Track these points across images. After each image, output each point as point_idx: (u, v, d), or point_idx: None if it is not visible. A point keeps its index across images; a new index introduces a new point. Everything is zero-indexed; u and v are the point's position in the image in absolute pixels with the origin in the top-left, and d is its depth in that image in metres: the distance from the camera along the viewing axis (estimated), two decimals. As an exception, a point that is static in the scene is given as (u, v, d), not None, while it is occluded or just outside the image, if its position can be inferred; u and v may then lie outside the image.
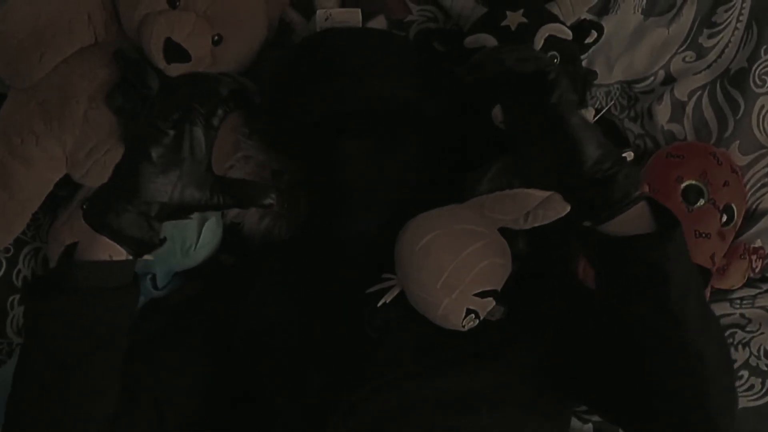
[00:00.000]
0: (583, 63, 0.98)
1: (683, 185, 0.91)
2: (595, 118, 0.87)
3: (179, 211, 0.67)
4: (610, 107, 0.97)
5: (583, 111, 0.85)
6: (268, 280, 0.84)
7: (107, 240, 0.66)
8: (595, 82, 0.98)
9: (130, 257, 0.68)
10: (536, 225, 0.72)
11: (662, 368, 0.66)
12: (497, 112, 0.76)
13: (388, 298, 0.77)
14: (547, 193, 0.69)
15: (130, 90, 0.87)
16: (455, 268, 0.73)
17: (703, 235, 0.89)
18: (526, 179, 0.69)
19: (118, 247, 0.66)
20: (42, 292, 0.66)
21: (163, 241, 0.68)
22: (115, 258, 0.66)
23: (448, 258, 0.74)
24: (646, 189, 0.90)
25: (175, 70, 0.86)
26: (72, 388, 0.66)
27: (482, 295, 0.75)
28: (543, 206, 0.71)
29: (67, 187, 0.94)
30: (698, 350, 0.65)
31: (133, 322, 0.69)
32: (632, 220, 0.66)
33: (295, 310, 0.81)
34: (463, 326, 0.75)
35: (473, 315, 0.75)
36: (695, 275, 0.68)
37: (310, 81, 0.84)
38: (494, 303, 0.76)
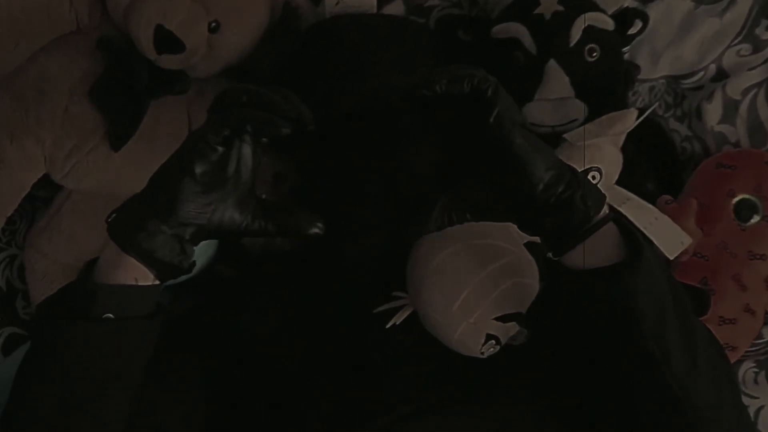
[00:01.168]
0: (626, 56, 0.96)
1: (735, 200, 0.89)
2: (638, 120, 0.85)
3: (215, 234, 0.66)
4: (654, 107, 0.96)
5: (624, 113, 0.84)
6: (266, 296, 0.82)
7: (134, 261, 0.64)
8: (638, 77, 0.97)
9: (156, 282, 0.66)
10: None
11: (645, 412, 0.65)
12: None
13: (398, 320, 0.75)
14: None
15: (115, 83, 0.85)
16: (474, 288, 0.72)
17: (758, 256, 0.87)
18: (476, 212, 0.68)
19: (146, 270, 0.64)
20: (57, 316, 0.64)
21: (192, 265, 0.67)
22: (140, 282, 0.65)
23: (466, 277, 0.72)
24: (693, 204, 0.88)
25: (167, 61, 0.84)
26: (76, 428, 0.64)
27: (504, 318, 0.72)
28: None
29: (46, 187, 0.92)
30: (684, 391, 0.63)
31: (151, 353, 0.68)
32: (598, 249, 0.64)
33: (294, 330, 0.79)
34: (482, 353, 0.73)
35: (493, 341, 0.73)
36: (680, 302, 0.66)
37: (318, 76, 0.83)
38: (518, 327, 0.73)
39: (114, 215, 0.68)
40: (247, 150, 0.65)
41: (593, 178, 0.83)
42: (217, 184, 0.64)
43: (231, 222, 0.66)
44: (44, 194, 0.94)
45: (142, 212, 0.64)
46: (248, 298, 0.83)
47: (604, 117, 0.84)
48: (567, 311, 0.68)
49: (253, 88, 0.65)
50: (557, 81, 0.86)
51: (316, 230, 0.67)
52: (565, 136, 0.84)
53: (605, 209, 0.65)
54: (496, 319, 0.72)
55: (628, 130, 0.84)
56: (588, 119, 0.87)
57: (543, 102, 0.87)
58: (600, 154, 0.83)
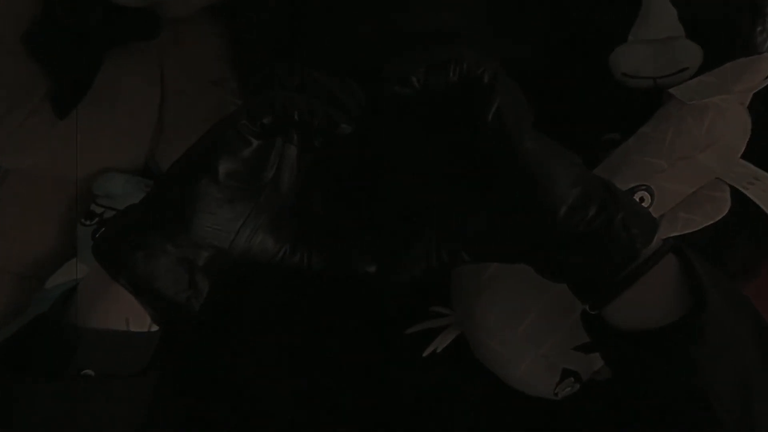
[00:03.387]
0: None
1: None
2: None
3: (238, 264, 0.61)
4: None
5: (754, 60, 0.76)
6: (260, 314, 0.77)
7: (125, 295, 0.58)
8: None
9: (154, 328, 0.59)
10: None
11: None
12: None
13: (439, 345, 0.71)
14: None
15: (58, 26, 0.81)
16: (545, 307, 0.67)
17: None
18: (474, 249, 0.61)
19: (140, 307, 0.58)
20: (19, 368, 0.59)
21: (205, 313, 0.62)
22: (132, 328, 0.59)
23: (533, 291, 0.67)
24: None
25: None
26: None
27: (587, 348, 0.67)
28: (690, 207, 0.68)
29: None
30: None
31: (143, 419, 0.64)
32: (650, 299, 0.58)
33: (297, 361, 0.75)
34: (556, 394, 0.68)
35: (572, 378, 0.68)
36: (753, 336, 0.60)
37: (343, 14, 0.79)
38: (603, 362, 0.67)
39: (102, 229, 0.65)
40: (291, 152, 0.60)
41: (641, 200, 0.75)
42: (247, 193, 0.59)
43: (262, 250, 0.61)
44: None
45: (139, 225, 0.59)
46: (238, 316, 0.78)
47: (726, 66, 0.76)
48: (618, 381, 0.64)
49: (307, 69, 0.62)
50: (661, 15, 0.77)
51: (371, 269, 0.62)
52: (671, 91, 0.75)
53: (658, 240, 0.58)
54: (576, 348, 0.67)
55: (761, 86, 0.76)
56: (703, 68, 0.78)
57: (641, 44, 0.78)
58: (722, 119, 0.74)
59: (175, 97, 0.88)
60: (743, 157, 0.78)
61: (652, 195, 0.72)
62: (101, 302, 0.59)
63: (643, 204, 0.72)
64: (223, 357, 0.79)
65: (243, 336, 0.79)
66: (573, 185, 0.57)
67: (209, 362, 0.79)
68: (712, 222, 0.71)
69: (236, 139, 0.58)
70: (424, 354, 0.70)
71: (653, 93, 0.77)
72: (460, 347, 0.71)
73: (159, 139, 0.85)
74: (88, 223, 0.83)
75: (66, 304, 0.60)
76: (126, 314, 0.59)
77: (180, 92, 0.84)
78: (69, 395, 0.58)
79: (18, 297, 0.86)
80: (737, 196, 0.72)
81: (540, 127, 0.64)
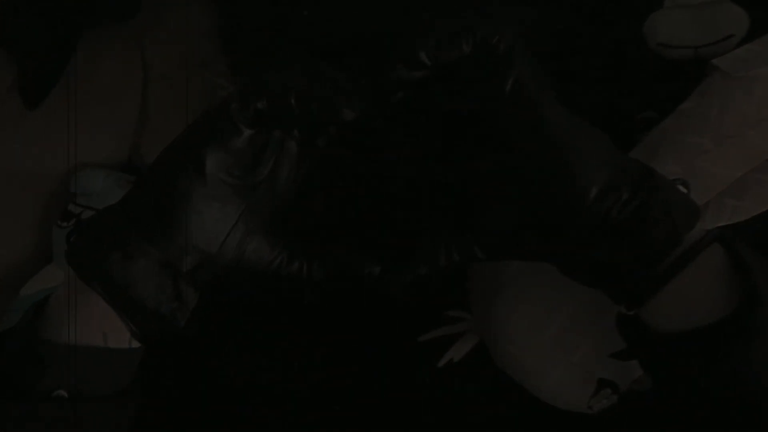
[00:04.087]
0: None
1: None
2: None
3: (228, 274, 0.59)
4: None
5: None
6: (257, 327, 0.75)
7: (102, 305, 0.56)
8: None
9: (134, 345, 0.58)
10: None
11: None
12: None
13: (457, 354, 0.69)
14: None
15: (22, 8, 0.81)
16: (576, 309, 0.65)
17: None
18: (490, 244, 0.58)
19: (119, 320, 0.57)
20: None
21: (192, 323, 0.61)
22: (110, 343, 0.57)
23: (561, 291, 0.65)
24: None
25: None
26: None
27: (623, 355, 0.65)
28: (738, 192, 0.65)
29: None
30: None
31: None
32: (695, 292, 0.55)
33: (300, 377, 0.73)
34: (591, 407, 0.66)
35: (609, 389, 0.66)
36: None
37: None
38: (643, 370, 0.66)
39: (76, 233, 0.66)
40: (291, 147, 0.58)
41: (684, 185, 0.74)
42: (238, 191, 0.57)
43: (256, 256, 0.59)
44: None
45: (117, 225, 0.57)
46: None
47: None
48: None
49: (305, 53, 0.64)
50: (701, -25, 0.79)
51: (375, 270, 0.61)
52: (715, 62, 0.73)
53: (701, 229, 0.56)
54: (612, 356, 0.65)
55: None
56: (750, 35, 0.76)
57: (679, 9, 0.77)
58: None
59: (159, 82, 0.86)
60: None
61: (687, 188, 0.67)
62: (75, 314, 0.58)
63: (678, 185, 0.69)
64: (215, 377, 0.77)
65: (236, 352, 0.77)
66: (604, 164, 0.54)
67: (198, 384, 0.77)
68: (764, 210, 0.68)
69: (226, 127, 0.56)
70: (440, 364, 0.69)
71: (694, 65, 0.75)
72: (480, 356, 0.70)
73: (143, 130, 0.83)
74: (64, 224, 0.81)
75: (37, 317, 0.59)
76: (103, 328, 0.57)
77: (164, 76, 0.82)
78: (39, 418, 0.57)
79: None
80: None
81: (564, 105, 0.61)
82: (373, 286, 0.66)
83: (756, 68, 0.71)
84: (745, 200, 0.68)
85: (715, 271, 0.55)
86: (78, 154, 0.73)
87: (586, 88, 0.79)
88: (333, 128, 0.60)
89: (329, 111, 0.56)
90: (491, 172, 0.58)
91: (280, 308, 0.78)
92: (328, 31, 0.80)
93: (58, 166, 0.79)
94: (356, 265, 0.61)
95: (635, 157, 0.59)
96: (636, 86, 0.78)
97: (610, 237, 0.55)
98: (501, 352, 0.67)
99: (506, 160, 0.56)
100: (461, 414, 0.71)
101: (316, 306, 0.76)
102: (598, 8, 0.79)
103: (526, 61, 0.55)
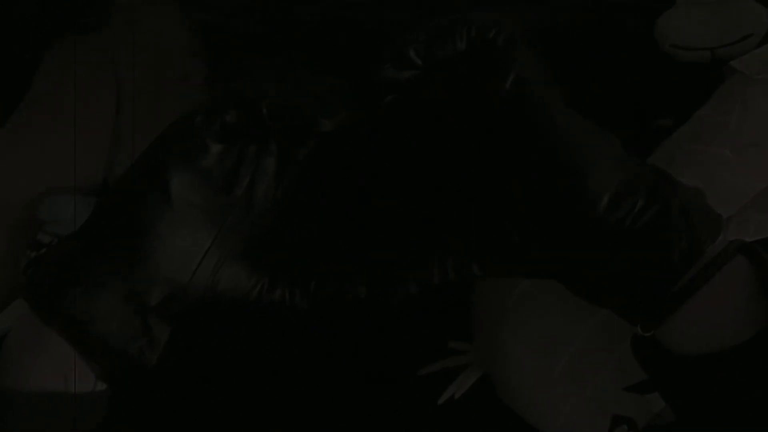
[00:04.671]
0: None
1: None
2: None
3: (204, 304, 0.57)
4: None
5: None
6: (238, 362, 0.74)
7: (63, 345, 0.54)
8: None
9: (101, 387, 0.55)
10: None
11: None
12: None
13: (459, 390, 0.68)
14: None
15: None
16: (588, 338, 0.65)
17: None
18: (489, 259, 0.56)
19: (81, 359, 0.55)
20: None
21: (163, 360, 0.59)
22: (72, 388, 0.56)
23: (571, 319, 0.65)
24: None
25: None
26: None
27: (642, 388, 0.63)
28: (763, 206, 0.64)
29: None
30: None
31: None
32: (719, 308, 0.52)
33: (290, 416, 0.71)
34: None
35: (625, 426, 0.65)
36: None
37: None
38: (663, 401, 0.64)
39: (33, 265, 0.65)
40: (268, 163, 0.55)
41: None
42: (210, 214, 0.54)
43: (233, 285, 0.56)
44: None
45: (77, 256, 0.55)
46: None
47: None
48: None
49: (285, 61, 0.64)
50: (716, -32, 0.77)
51: (362, 292, 0.59)
52: (733, 64, 0.73)
53: (724, 241, 0.54)
54: (629, 388, 0.64)
55: None
56: None
57: (693, 7, 0.78)
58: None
59: (134, 97, 0.84)
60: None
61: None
62: (33, 356, 0.55)
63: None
64: (193, 421, 0.75)
65: (217, 391, 0.75)
66: (616, 169, 0.52)
67: (174, 428, 0.76)
68: (791, 223, 0.68)
69: (192, 144, 0.53)
70: (440, 401, 0.68)
71: (711, 67, 0.77)
72: (484, 391, 0.69)
73: (117, 150, 0.80)
74: (34, 254, 0.78)
75: None
76: (64, 370, 0.54)
77: (139, 92, 0.80)
78: None
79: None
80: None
81: (571, 106, 0.58)
82: (361, 310, 0.63)
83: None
84: (771, 214, 0.68)
85: (741, 285, 0.53)
86: (46, 177, 0.72)
87: (594, 93, 0.79)
88: (313, 140, 0.57)
89: (305, 120, 0.54)
90: (491, 180, 0.55)
91: (265, 341, 0.76)
92: (314, 36, 0.78)
93: (25, 191, 0.76)
94: (342, 288, 0.59)
95: None
96: (649, 91, 0.77)
97: (623, 249, 0.53)
98: (506, 387, 0.66)
99: (507, 167, 0.54)
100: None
101: (304, 337, 0.74)
102: (606, 6, 0.78)
103: (528, 57, 0.53)
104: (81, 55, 0.83)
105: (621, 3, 0.78)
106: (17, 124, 0.80)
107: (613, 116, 0.72)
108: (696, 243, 0.52)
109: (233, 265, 0.56)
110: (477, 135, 0.55)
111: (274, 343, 0.79)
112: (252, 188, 0.56)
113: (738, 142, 0.65)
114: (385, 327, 0.75)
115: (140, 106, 0.82)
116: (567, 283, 0.57)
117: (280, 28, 0.81)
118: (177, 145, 0.54)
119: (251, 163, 0.55)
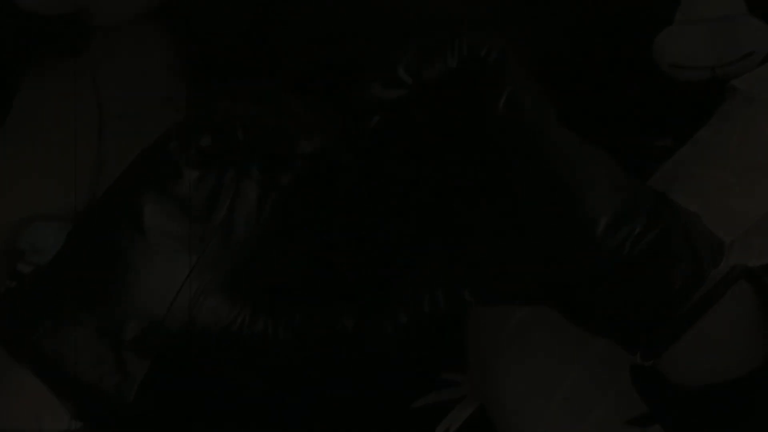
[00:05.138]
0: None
1: None
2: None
3: (182, 340, 0.57)
4: None
5: None
6: (225, 396, 0.73)
7: (35, 383, 0.54)
8: None
9: (75, 425, 0.55)
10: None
11: None
12: None
13: (454, 423, 0.69)
14: None
15: None
16: (587, 368, 0.64)
17: None
18: (481, 287, 0.55)
19: (53, 398, 0.54)
20: None
21: (142, 398, 0.58)
22: (46, 426, 0.54)
23: (569, 347, 0.64)
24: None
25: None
26: None
27: (643, 420, 0.61)
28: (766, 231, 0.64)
29: None
30: None
31: None
32: (722, 336, 0.53)
33: None
34: None
35: None
36: None
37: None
38: (667, 433, 0.65)
39: (2, 299, 0.63)
40: (249, 189, 0.55)
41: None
42: (187, 243, 0.55)
43: (213, 318, 0.55)
44: None
45: (48, 290, 0.54)
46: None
47: None
48: None
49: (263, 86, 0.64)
50: (718, -12, 0.79)
51: (349, 324, 0.59)
52: (735, 84, 0.72)
53: (726, 261, 0.54)
54: (630, 422, 0.62)
55: None
56: None
57: (693, 25, 0.77)
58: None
59: (116, 121, 0.82)
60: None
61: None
62: (3, 394, 0.54)
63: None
64: None
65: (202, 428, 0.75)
66: (614, 192, 0.52)
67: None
68: (796, 250, 0.67)
69: (165, 170, 0.53)
70: None
71: (711, 87, 0.75)
72: (480, 425, 0.69)
73: (100, 175, 0.79)
74: (14, 285, 0.77)
75: None
76: (36, 409, 0.54)
77: (121, 115, 0.79)
78: None
79: None
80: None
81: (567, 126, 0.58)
82: (348, 343, 0.62)
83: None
84: (774, 239, 0.67)
85: (744, 312, 0.53)
86: (27, 205, 0.71)
87: (592, 113, 0.78)
88: (297, 164, 0.57)
89: (284, 143, 0.54)
90: (484, 204, 0.55)
91: (250, 376, 0.74)
92: (300, 56, 0.78)
93: (5, 218, 0.75)
94: (328, 320, 0.58)
95: None
96: (648, 112, 0.76)
97: (623, 275, 0.52)
98: (502, 421, 0.65)
99: (501, 189, 0.54)
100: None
101: (291, 371, 0.73)
102: (604, 25, 0.78)
103: (521, 76, 0.53)
104: (62, 78, 0.82)
105: (619, 21, 0.78)
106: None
107: (612, 137, 0.72)
108: (698, 268, 0.52)
109: (213, 296, 0.56)
110: (467, 157, 0.55)
111: (261, 377, 0.80)
112: (231, 216, 0.55)
113: (739, 165, 0.65)
114: (376, 359, 0.74)
115: (123, 130, 0.81)
116: (563, 311, 0.56)
117: (265, 50, 0.80)
118: (150, 173, 0.54)
119: (230, 189, 0.55)
